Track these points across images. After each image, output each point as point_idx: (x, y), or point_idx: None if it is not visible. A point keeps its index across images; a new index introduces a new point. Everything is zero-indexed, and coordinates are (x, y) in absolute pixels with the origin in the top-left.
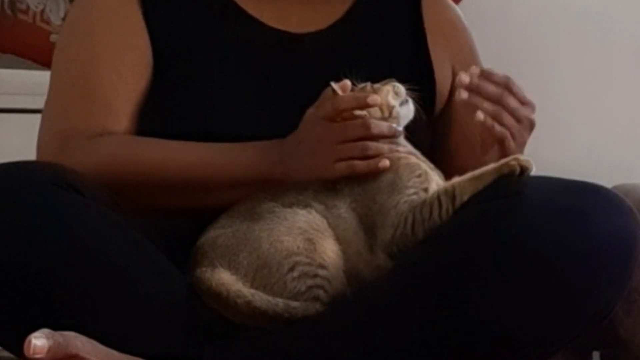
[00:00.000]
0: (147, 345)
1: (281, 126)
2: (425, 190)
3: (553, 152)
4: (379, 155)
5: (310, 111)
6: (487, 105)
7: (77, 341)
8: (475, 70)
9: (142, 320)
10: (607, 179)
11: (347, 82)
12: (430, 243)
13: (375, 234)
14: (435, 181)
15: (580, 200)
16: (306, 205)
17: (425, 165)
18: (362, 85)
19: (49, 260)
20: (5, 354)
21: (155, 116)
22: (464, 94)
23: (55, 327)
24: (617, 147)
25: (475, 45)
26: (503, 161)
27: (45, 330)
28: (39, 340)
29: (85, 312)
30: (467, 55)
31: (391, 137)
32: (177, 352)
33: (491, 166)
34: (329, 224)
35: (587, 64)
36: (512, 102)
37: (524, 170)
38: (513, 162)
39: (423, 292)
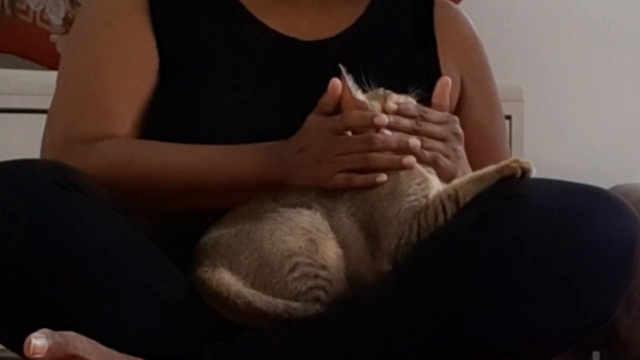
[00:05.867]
0: (147, 345)
1: (289, 132)
2: (426, 197)
3: (553, 152)
4: (379, 167)
5: (313, 118)
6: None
7: (77, 341)
8: (392, 107)
9: (142, 320)
10: (606, 179)
11: (348, 88)
12: (431, 245)
13: (378, 242)
14: (435, 186)
15: (582, 203)
16: (310, 207)
17: (425, 171)
18: (375, 91)
19: (49, 259)
20: (8, 354)
21: (162, 120)
22: (387, 132)
23: (55, 327)
24: (616, 147)
25: (487, 59)
26: (504, 163)
27: (45, 330)
28: (39, 340)
29: (85, 312)
30: (476, 68)
31: (398, 150)
32: (177, 352)
33: (492, 168)
34: (330, 226)
35: (587, 64)
36: (430, 127)
37: (525, 172)
38: (514, 164)
39: (423, 294)
